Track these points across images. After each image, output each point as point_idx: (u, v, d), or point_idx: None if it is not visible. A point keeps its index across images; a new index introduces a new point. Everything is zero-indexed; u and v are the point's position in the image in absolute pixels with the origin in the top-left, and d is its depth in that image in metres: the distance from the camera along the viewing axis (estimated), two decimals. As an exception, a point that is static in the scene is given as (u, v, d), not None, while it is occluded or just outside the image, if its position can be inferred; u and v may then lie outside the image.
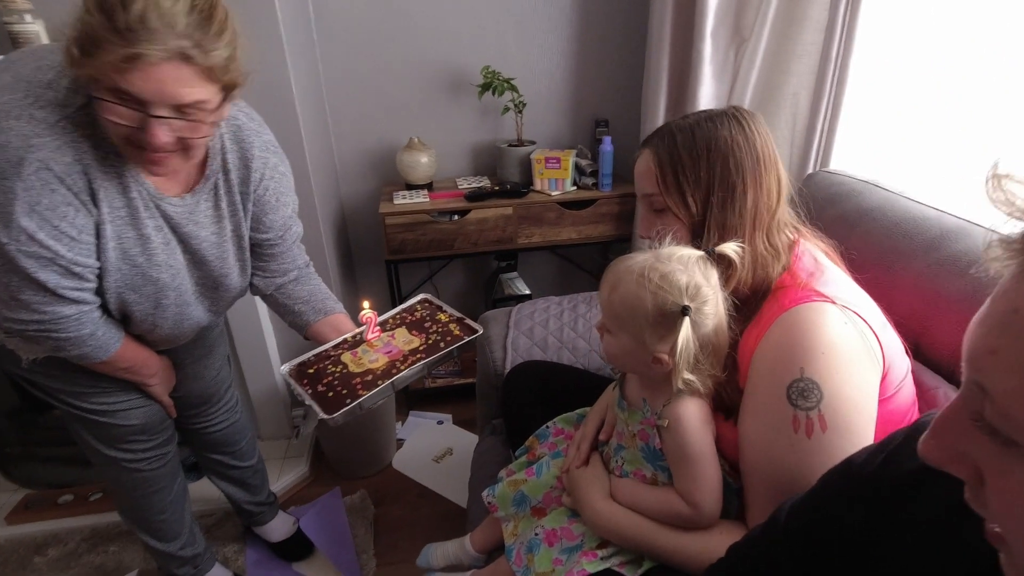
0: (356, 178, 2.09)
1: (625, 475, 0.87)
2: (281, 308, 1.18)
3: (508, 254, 2.08)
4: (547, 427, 1.07)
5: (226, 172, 0.98)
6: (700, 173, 0.81)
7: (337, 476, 1.85)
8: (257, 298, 1.22)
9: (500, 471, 1.09)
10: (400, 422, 2.07)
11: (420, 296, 1.20)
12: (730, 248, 0.78)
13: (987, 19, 1.26)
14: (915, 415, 0.83)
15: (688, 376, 0.75)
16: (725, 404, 0.80)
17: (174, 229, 0.95)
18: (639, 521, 0.82)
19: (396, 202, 1.85)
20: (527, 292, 2.09)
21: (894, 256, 1.04)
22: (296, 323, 1.17)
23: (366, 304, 1.07)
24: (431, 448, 1.96)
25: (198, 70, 0.77)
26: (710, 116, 0.83)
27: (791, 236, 0.86)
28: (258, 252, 1.11)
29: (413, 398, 2.15)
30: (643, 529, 0.81)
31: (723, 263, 0.79)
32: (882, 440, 0.57)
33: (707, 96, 1.57)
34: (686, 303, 0.73)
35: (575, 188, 1.92)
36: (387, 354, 1.04)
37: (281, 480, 1.78)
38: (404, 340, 1.08)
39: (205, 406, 1.34)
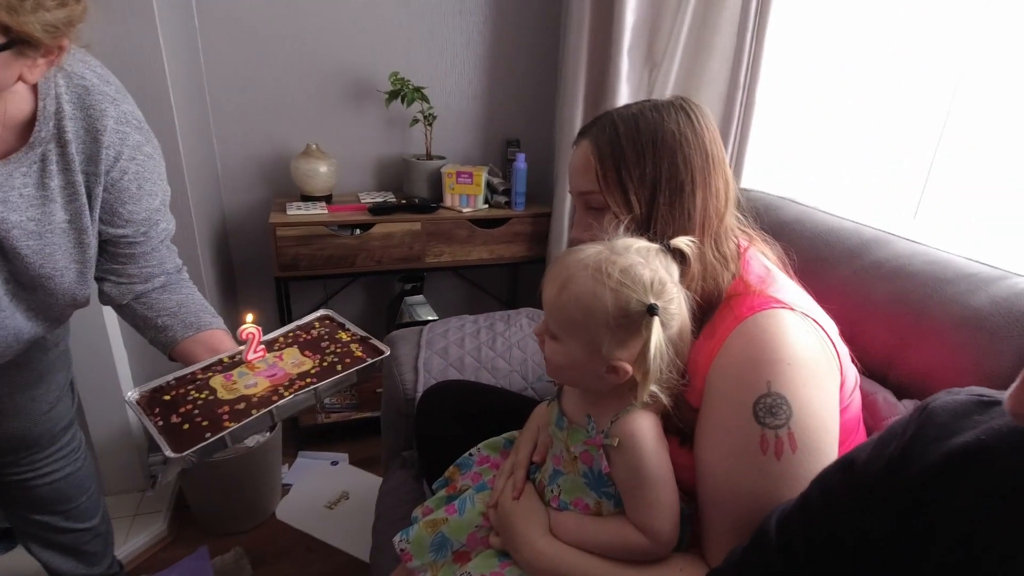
0: (242, 186, 1.85)
1: (564, 506, 0.74)
2: (140, 321, 0.94)
3: (414, 275, 1.94)
4: (470, 455, 0.93)
5: (62, 143, 0.76)
6: (645, 169, 0.72)
7: (204, 533, 1.54)
8: (106, 308, 0.97)
9: (414, 510, 0.92)
10: (287, 464, 1.80)
11: (320, 312, 1.01)
12: (683, 242, 0.69)
13: (882, 48, 1.37)
14: (862, 426, 0.80)
15: (655, 388, 0.65)
16: (676, 426, 0.71)
17: None
18: (589, 561, 0.69)
19: (290, 213, 1.64)
20: (434, 318, 1.94)
21: (818, 264, 1.04)
22: (159, 340, 0.93)
23: (249, 318, 0.88)
24: (323, 493, 1.71)
25: None
26: (655, 106, 0.75)
27: (738, 243, 0.80)
28: (112, 251, 0.88)
29: (303, 436, 1.89)
30: (595, 569, 0.69)
31: (676, 259, 0.70)
32: (879, 437, 0.50)
33: (624, 114, 1.56)
34: (652, 301, 0.63)
35: (487, 206, 1.83)
36: (269, 378, 0.85)
37: (129, 543, 1.45)
38: (293, 362, 0.89)
39: (29, 452, 1.05)
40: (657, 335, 0.62)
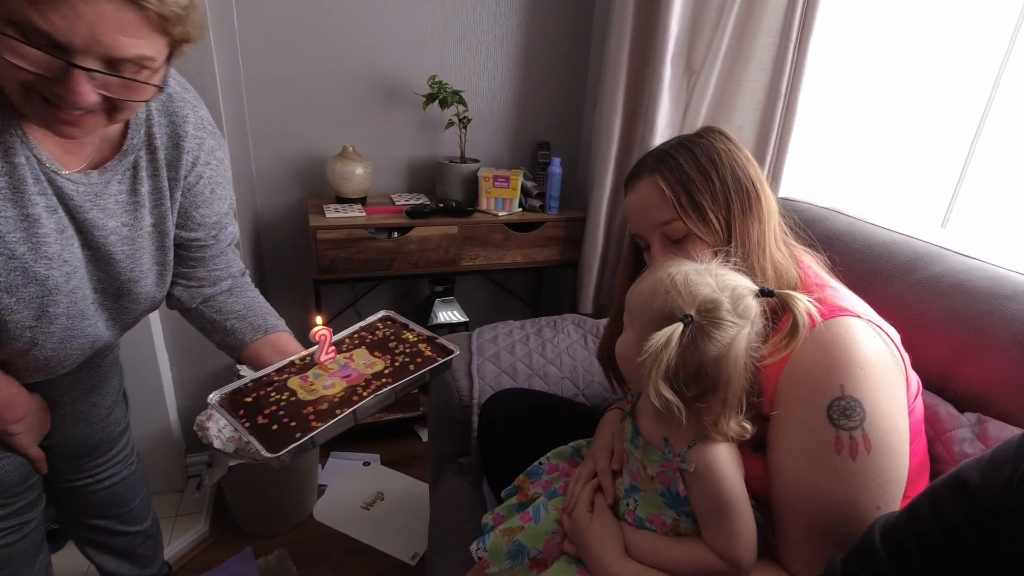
0: (276, 188, 1.85)
1: (639, 522, 0.76)
2: (209, 325, 0.95)
3: (445, 278, 1.95)
4: (540, 463, 0.95)
5: (152, 150, 0.78)
6: (715, 186, 0.77)
7: (245, 534, 1.55)
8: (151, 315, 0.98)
9: (484, 516, 0.94)
10: (320, 465, 1.81)
11: (381, 313, 1.03)
12: (802, 302, 0.66)
13: (924, 60, 1.39)
14: (923, 433, 0.82)
15: (665, 391, 0.64)
16: (750, 437, 0.72)
17: (72, 214, 0.72)
18: None
19: (329, 215, 1.65)
20: (465, 319, 1.96)
21: (871, 277, 1.06)
22: (227, 343, 0.95)
23: (319, 320, 0.89)
24: (358, 494, 1.73)
25: (147, 17, 0.58)
26: (696, 135, 0.82)
27: (789, 249, 0.83)
28: (183, 255, 0.89)
29: (333, 438, 1.90)
30: None
31: (777, 314, 0.70)
32: (989, 459, 0.52)
33: (664, 122, 1.58)
34: (690, 313, 0.64)
35: (521, 210, 1.85)
36: (345, 379, 0.86)
37: (173, 545, 1.46)
38: (365, 362, 0.90)
39: (89, 457, 1.05)
40: (667, 332, 0.62)
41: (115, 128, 0.74)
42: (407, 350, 0.93)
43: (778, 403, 0.71)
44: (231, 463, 1.39)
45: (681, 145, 0.80)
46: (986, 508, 0.49)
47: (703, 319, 0.64)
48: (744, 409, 0.70)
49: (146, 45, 0.60)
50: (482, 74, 1.92)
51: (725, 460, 0.68)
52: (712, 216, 0.76)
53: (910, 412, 0.75)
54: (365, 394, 0.83)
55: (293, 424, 0.76)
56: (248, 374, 0.87)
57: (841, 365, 0.66)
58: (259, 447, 0.73)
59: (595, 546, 0.75)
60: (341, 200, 1.75)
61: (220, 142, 0.87)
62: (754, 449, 0.73)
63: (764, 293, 0.68)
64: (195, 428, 1.40)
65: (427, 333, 0.97)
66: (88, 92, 0.59)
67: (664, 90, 1.54)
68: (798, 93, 1.46)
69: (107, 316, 0.84)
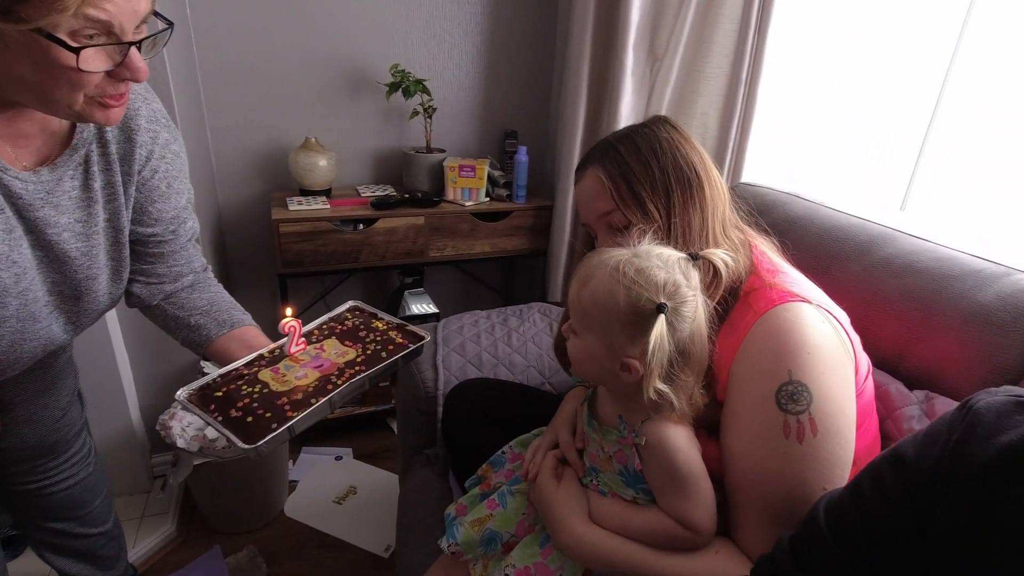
0: (237, 180, 1.81)
1: (603, 494, 0.77)
2: (172, 322, 0.92)
3: (415, 269, 1.93)
4: (502, 452, 0.95)
5: (103, 143, 0.75)
6: (654, 176, 0.78)
7: (214, 532, 1.53)
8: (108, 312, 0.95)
9: (448, 508, 0.93)
10: (291, 460, 1.79)
11: (348, 303, 1.02)
12: (718, 255, 0.73)
13: (885, 46, 1.41)
14: (875, 411, 0.84)
15: (661, 386, 0.66)
16: (704, 421, 0.74)
17: (20, 213, 0.70)
18: (632, 547, 0.72)
19: (292, 208, 1.62)
20: (435, 311, 1.95)
21: (828, 260, 1.08)
22: (192, 339, 0.92)
23: (288, 312, 0.88)
24: (331, 488, 1.71)
25: None
26: (642, 124, 0.83)
27: (741, 235, 0.84)
28: (141, 252, 0.87)
29: (304, 432, 1.88)
30: (637, 556, 0.72)
31: (707, 270, 0.73)
32: (924, 435, 0.54)
33: (627, 108, 1.58)
34: (662, 300, 0.65)
35: (488, 200, 1.84)
36: (317, 368, 0.86)
37: (139, 546, 1.44)
38: (336, 352, 0.89)
39: (44, 460, 1.03)
40: (659, 330, 0.64)
41: (59, 124, 0.71)
42: (378, 338, 0.92)
43: (730, 388, 0.72)
44: (196, 462, 1.37)
45: (626, 136, 0.81)
46: (921, 482, 0.51)
47: (672, 301, 0.66)
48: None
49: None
50: (447, 63, 1.89)
51: (674, 432, 0.70)
52: (652, 206, 0.78)
53: (860, 393, 0.76)
54: (339, 382, 0.82)
55: (268, 415, 0.75)
56: (214, 371, 0.85)
57: (789, 351, 0.68)
58: (235, 440, 0.71)
59: (561, 511, 0.75)
60: (305, 192, 1.72)
61: (175, 135, 0.85)
62: (709, 433, 0.75)
63: (693, 257, 0.71)
64: (157, 427, 1.37)
65: (396, 321, 0.96)
66: (144, 64, 0.62)
67: (627, 77, 1.54)
68: (759, 79, 1.48)
69: (65, 319, 0.81)
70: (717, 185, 0.81)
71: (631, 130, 0.82)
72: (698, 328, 0.69)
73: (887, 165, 1.57)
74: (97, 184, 0.76)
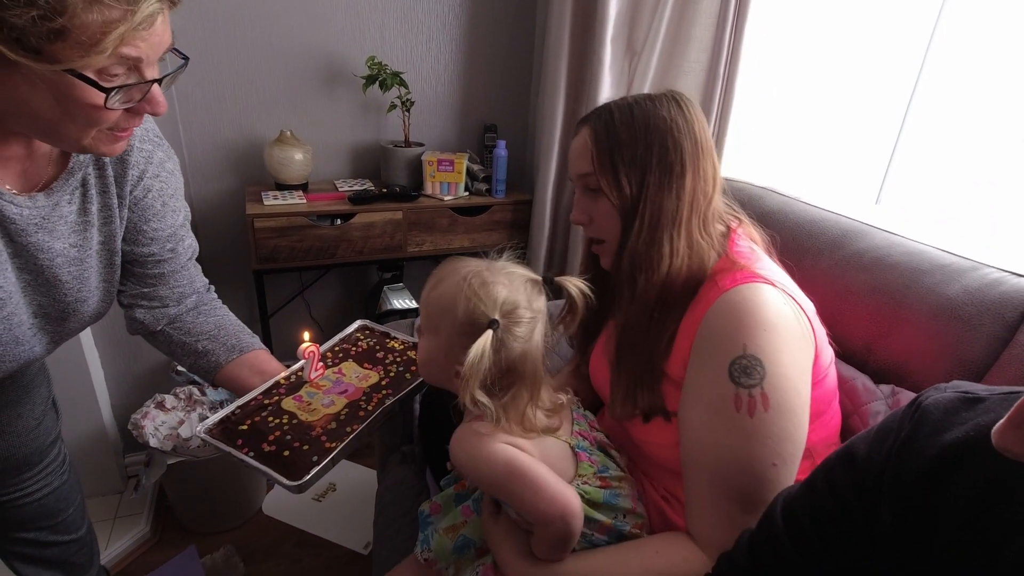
0: (211, 176, 1.77)
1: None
2: (178, 348, 0.90)
3: (393, 264, 1.91)
4: (478, 450, 0.94)
5: (100, 164, 0.74)
6: (637, 151, 0.77)
7: (190, 532, 1.52)
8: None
9: (422, 505, 0.93)
10: (269, 459, 1.77)
11: (357, 323, 1.03)
12: (574, 284, 0.73)
13: (860, 42, 1.42)
14: (837, 403, 0.85)
15: (479, 396, 0.67)
16: (642, 408, 0.78)
17: (11, 237, 0.67)
18: (557, 568, 0.72)
19: (267, 203, 1.59)
20: (415, 306, 1.93)
21: (801, 253, 1.09)
22: (200, 366, 0.90)
23: (306, 336, 0.87)
24: (309, 486, 1.70)
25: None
26: (650, 96, 0.81)
27: (726, 226, 0.84)
28: (141, 274, 0.84)
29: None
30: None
31: (565, 298, 0.75)
32: (876, 432, 0.54)
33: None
34: (496, 317, 0.67)
35: (467, 194, 1.82)
36: (342, 394, 0.85)
37: (112, 548, 1.42)
38: (357, 375, 0.89)
39: (19, 471, 1.00)
40: (481, 344, 0.65)
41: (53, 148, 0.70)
42: (397, 359, 0.93)
43: (690, 361, 0.73)
44: (169, 461, 1.35)
45: (629, 105, 0.80)
46: (870, 479, 0.51)
47: (506, 320, 0.67)
48: (642, 384, 0.75)
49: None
50: (425, 56, 1.87)
51: (473, 435, 0.69)
52: (624, 179, 0.78)
53: (820, 381, 0.77)
54: (370, 408, 0.82)
55: (306, 448, 0.75)
56: (220, 394, 0.85)
57: (746, 327, 0.69)
58: (279, 478, 0.72)
59: (498, 547, 0.76)
60: (281, 187, 1.70)
61: (169, 153, 0.84)
62: (667, 419, 0.76)
63: (546, 280, 0.73)
64: (130, 427, 1.35)
65: (412, 340, 0.97)
66: (164, 98, 0.63)
67: (605, 71, 1.54)
68: (736, 74, 1.48)
69: (48, 339, 0.79)
70: (706, 178, 0.79)
71: (637, 99, 0.80)
72: (532, 349, 0.71)
73: (863, 158, 1.58)
74: (94, 207, 0.74)
